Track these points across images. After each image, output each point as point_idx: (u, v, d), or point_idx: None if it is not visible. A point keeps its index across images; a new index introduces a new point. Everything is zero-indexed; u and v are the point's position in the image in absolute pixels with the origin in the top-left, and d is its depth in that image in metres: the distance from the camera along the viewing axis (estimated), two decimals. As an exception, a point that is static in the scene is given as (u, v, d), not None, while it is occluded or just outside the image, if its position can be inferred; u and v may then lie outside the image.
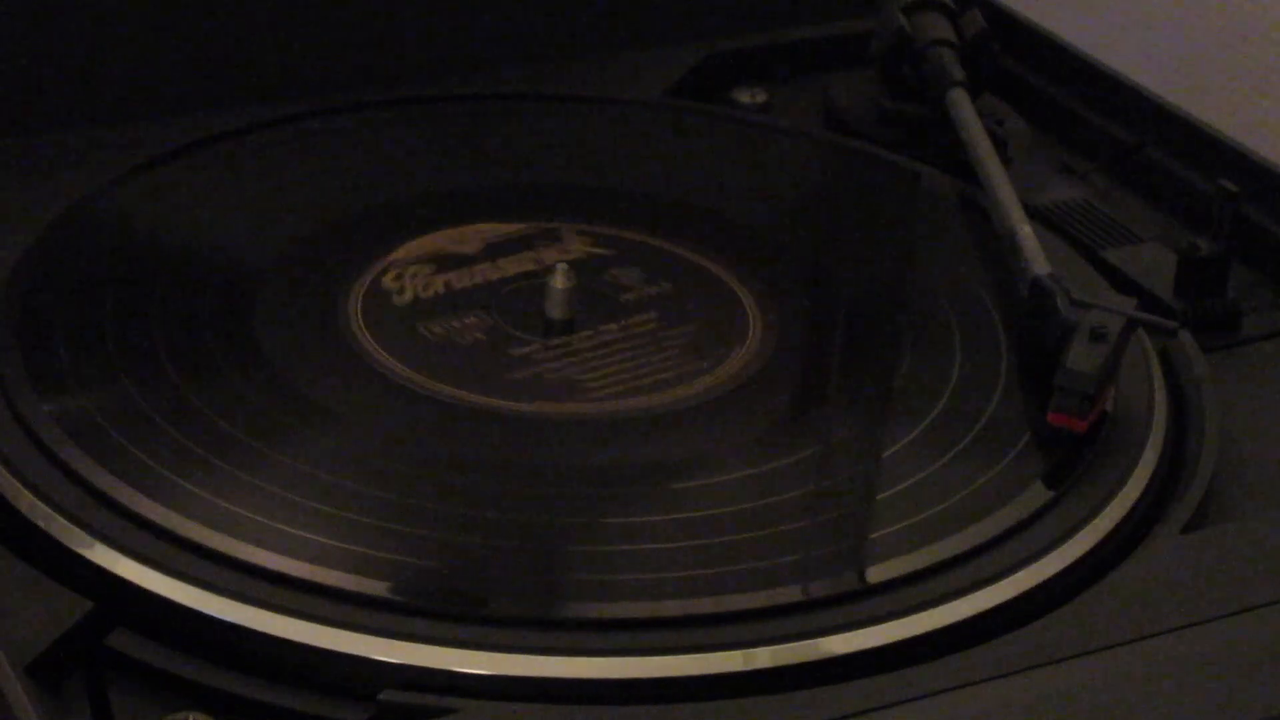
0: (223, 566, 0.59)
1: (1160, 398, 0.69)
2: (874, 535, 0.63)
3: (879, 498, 0.65)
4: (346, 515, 0.62)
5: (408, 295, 0.73)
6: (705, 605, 0.59)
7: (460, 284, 0.74)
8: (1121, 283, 0.77)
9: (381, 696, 0.56)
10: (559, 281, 0.72)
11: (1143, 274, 0.77)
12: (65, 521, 0.61)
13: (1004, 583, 0.61)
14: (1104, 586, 0.61)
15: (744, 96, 0.90)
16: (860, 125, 0.87)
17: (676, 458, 0.67)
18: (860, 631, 0.59)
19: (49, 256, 0.73)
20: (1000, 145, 0.82)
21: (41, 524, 0.61)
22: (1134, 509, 0.65)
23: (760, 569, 0.61)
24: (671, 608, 0.59)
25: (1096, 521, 0.64)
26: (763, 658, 0.58)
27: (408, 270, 0.74)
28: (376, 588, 0.59)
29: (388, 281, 0.74)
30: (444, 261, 0.75)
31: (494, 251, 0.76)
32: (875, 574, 0.61)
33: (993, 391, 0.70)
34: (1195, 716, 0.57)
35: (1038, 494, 0.65)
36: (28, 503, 0.62)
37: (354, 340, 0.71)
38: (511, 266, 0.75)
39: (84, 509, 0.61)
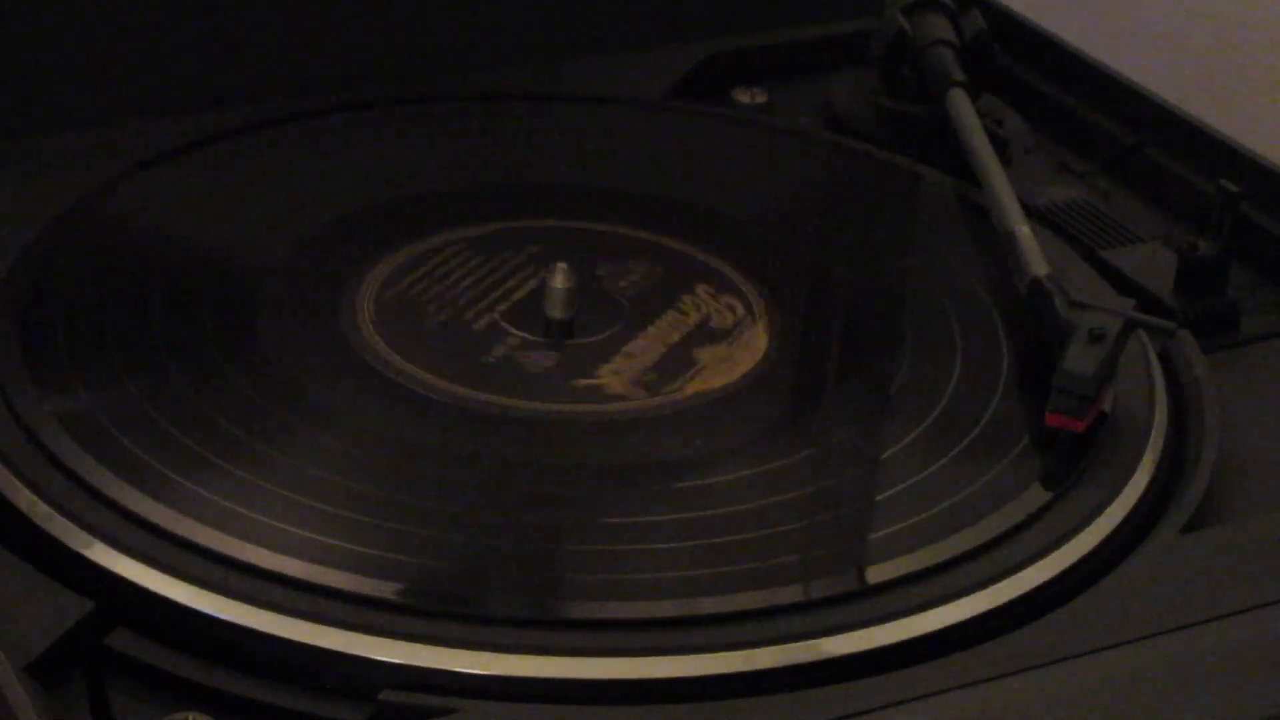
0: (223, 566, 0.59)
1: (1160, 398, 0.69)
2: (874, 535, 0.63)
3: (879, 498, 0.65)
4: (346, 515, 0.62)
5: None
6: (705, 605, 0.59)
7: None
8: (1121, 283, 0.77)
9: (381, 696, 0.56)
10: (559, 281, 0.72)
11: (1143, 274, 0.77)
12: (65, 521, 0.61)
13: (1004, 583, 0.61)
14: (1104, 586, 0.61)
15: (744, 96, 0.90)
16: (860, 125, 0.87)
17: (676, 458, 0.67)
18: (860, 631, 0.59)
19: (49, 256, 0.73)
20: (1000, 145, 0.82)
21: (41, 524, 0.61)
22: (1134, 509, 0.65)
23: (761, 569, 0.61)
24: (671, 608, 0.59)
25: (1096, 521, 0.64)
26: (763, 658, 0.58)
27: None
28: (376, 588, 0.59)
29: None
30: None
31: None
32: (875, 574, 0.61)
33: (993, 391, 0.70)
34: (1195, 716, 0.57)
35: (1038, 494, 0.65)
36: (28, 502, 0.62)
37: (355, 339, 0.71)
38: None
39: (84, 509, 0.61)
